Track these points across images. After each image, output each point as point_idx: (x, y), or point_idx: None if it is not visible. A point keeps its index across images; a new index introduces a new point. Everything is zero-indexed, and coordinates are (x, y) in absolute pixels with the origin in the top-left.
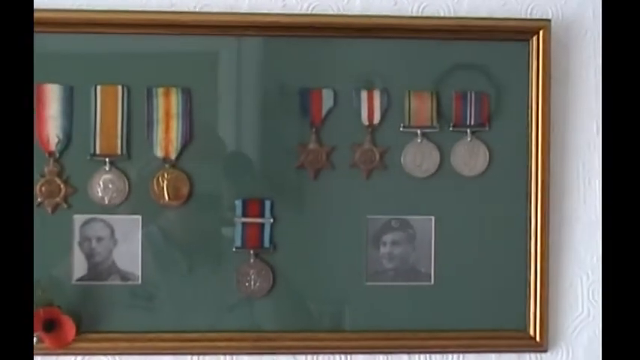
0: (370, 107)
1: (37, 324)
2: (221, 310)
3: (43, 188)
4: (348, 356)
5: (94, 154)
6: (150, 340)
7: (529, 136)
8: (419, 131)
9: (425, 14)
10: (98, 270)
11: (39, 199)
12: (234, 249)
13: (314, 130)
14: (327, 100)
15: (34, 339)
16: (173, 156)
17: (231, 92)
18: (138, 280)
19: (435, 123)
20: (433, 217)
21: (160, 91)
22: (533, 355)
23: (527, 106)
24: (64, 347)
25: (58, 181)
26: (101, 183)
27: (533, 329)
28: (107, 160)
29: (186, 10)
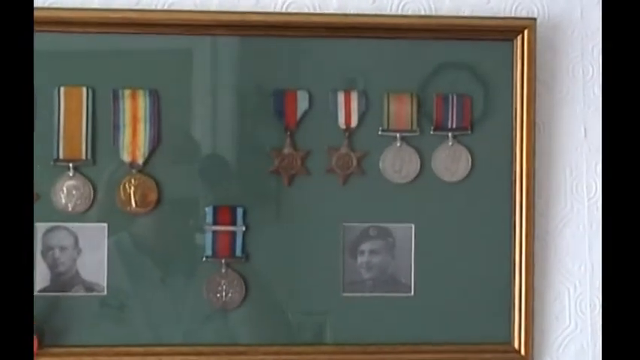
0: (347, 110)
1: None
2: (195, 321)
3: None
4: None
5: (58, 159)
6: (117, 354)
7: (513, 140)
8: (398, 135)
9: (404, 13)
10: (61, 281)
11: None
12: (204, 258)
13: (289, 133)
14: (302, 102)
15: None
16: (140, 161)
17: (205, 94)
18: (103, 290)
19: (415, 126)
20: (413, 225)
21: (127, 93)
22: None
23: (512, 109)
24: None
25: None
26: (65, 189)
27: (518, 342)
28: (71, 165)
29: (153, 8)
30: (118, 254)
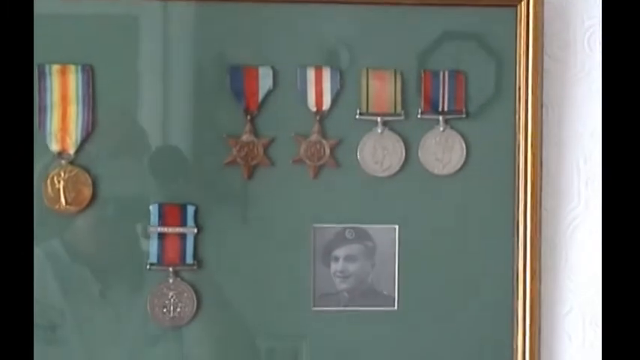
0: (318, 89)
1: None
2: (142, 342)
3: None
4: None
5: None
6: None
7: (517, 125)
8: (379, 119)
9: None
10: None
11: None
12: (148, 266)
13: (248, 117)
14: (265, 80)
15: None
16: (72, 150)
17: (152, 70)
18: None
19: (399, 109)
20: (397, 226)
21: (55, 68)
22: None
23: (515, 88)
24: None
25: None
26: None
27: None
28: None
29: None
30: (47, 264)
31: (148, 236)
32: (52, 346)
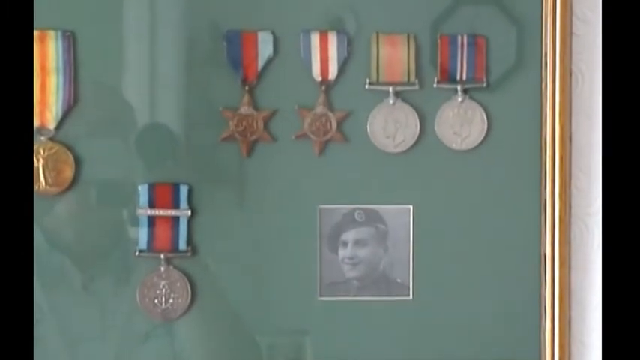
0: (324, 57)
1: None
2: (129, 339)
3: None
4: None
5: None
6: None
7: (543, 94)
8: (391, 89)
9: None
10: None
11: None
12: (137, 253)
13: (247, 88)
14: (265, 46)
15: None
16: (52, 126)
17: (139, 37)
18: None
19: (413, 78)
20: (411, 207)
21: (33, 35)
22: None
23: (541, 54)
24: None
25: None
26: None
27: None
28: None
29: None
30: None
31: (136, 221)
32: None
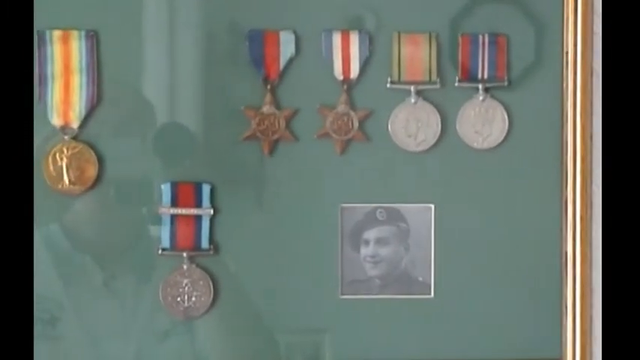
0: (345, 56)
1: None
2: (150, 337)
3: None
4: None
5: None
6: None
7: (564, 93)
8: (412, 88)
9: None
10: None
11: None
12: (160, 251)
13: (269, 87)
14: (287, 45)
15: None
16: (75, 125)
17: (160, 36)
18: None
19: (434, 77)
20: (432, 206)
21: (57, 35)
22: None
23: (562, 52)
24: None
25: None
26: None
27: (572, 359)
28: None
29: None
30: (49, 250)
31: (157, 220)
32: (51, 343)
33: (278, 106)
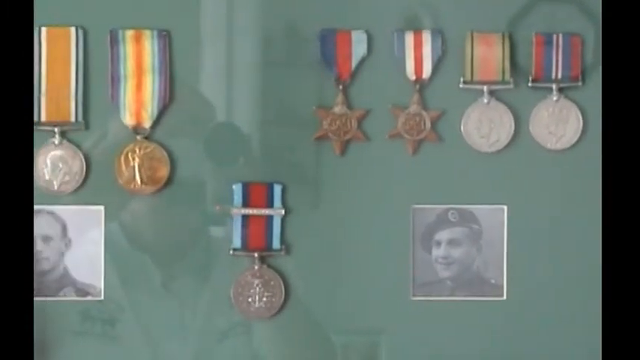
0: (418, 55)
1: None
2: (208, 337)
3: None
4: None
5: (39, 123)
6: None
7: None
8: (485, 88)
9: None
10: (46, 281)
11: None
12: (231, 252)
13: (341, 87)
14: (359, 45)
15: None
16: (147, 124)
17: (220, 36)
18: (100, 294)
19: (507, 77)
20: (505, 207)
21: (129, 34)
22: None
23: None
24: None
25: None
26: (48, 162)
27: None
28: (56, 130)
29: None
30: (107, 249)
31: (218, 220)
32: (109, 341)
33: (350, 106)
